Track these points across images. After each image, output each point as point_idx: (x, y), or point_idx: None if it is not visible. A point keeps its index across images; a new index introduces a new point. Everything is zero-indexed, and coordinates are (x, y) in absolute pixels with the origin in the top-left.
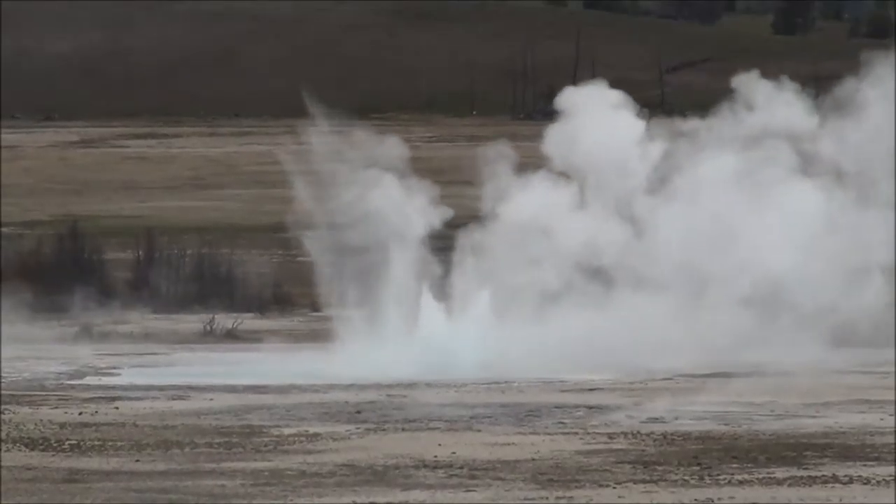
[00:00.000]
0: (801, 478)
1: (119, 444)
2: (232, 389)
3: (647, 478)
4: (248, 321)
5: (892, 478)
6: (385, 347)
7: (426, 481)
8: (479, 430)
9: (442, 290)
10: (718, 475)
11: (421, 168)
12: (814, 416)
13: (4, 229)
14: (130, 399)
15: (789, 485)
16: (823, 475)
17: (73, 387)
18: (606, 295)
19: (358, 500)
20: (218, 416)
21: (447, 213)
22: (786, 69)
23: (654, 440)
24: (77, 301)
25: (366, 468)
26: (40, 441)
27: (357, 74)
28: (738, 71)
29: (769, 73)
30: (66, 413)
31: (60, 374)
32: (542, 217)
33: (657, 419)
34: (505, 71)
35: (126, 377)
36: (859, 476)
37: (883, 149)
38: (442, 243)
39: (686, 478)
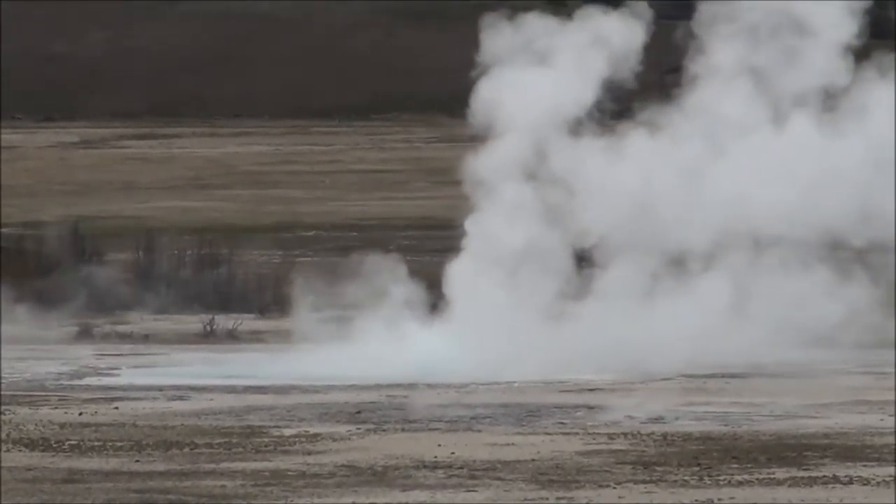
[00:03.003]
0: (802, 478)
1: (119, 444)
2: (232, 390)
3: (648, 478)
4: (249, 321)
5: (893, 478)
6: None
7: (426, 482)
8: (479, 431)
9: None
10: (718, 476)
11: (422, 169)
12: (814, 417)
13: (4, 229)
14: (130, 399)
15: (790, 485)
16: (824, 476)
17: (73, 387)
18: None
19: (358, 501)
20: (218, 417)
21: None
22: None
23: (655, 441)
24: (77, 301)
25: (366, 469)
26: (40, 441)
27: (357, 74)
28: None
29: None
30: (66, 413)
31: (60, 374)
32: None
33: (657, 419)
34: None
35: (126, 377)
36: (859, 476)
37: None
38: (444, 243)
39: (686, 478)
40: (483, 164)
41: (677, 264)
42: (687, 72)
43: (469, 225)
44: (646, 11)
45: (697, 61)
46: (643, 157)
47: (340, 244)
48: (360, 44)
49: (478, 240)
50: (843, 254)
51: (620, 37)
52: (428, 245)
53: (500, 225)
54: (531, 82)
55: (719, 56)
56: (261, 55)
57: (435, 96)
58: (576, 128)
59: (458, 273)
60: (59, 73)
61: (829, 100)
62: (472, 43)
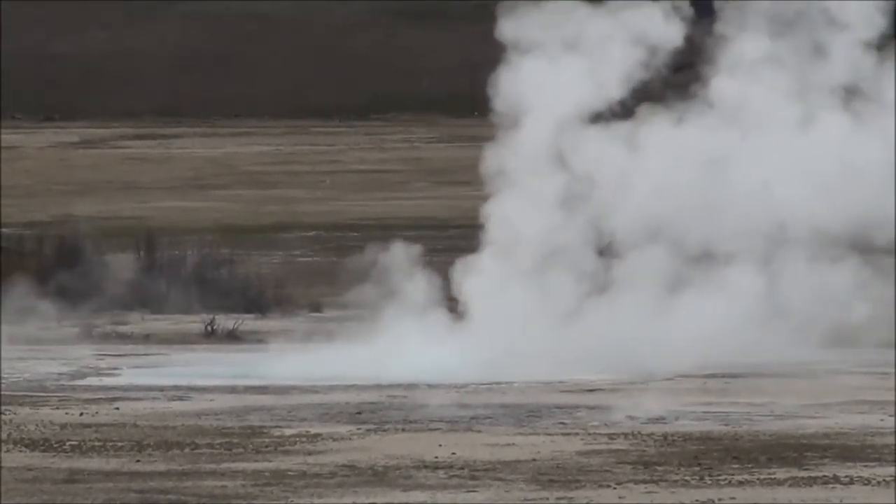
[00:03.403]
0: (802, 478)
1: (119, 444)
2: (232, 390)
3: (648, 478)
4: (249, 322)
5: (893, 478)
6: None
7: (426, 482)
8: (479, 431)
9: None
10: (719, 476)
11: (422, 169)
12: (814, 417)
13: (4, 229)
14: (131, 399)
15: (790, 485)
16: (824, 476)
17: (73, 387)
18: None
19: (358, 501)
20: (218, 417)
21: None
22: None
23: (655, 441)
24: (77, 301)
25: (366, 469)
26: (41, 442)
27: (357, 74)
28: None
29: None
30: (66, 414)
31: (61, 374)
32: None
33: (658, 419)
34: None
35: (126, 378)
36: (860, 476)
37: None
38: (445, 243)
39: (687, 478)
40: (503, 157)
41: (698, 261)
42: (698, 70)
43: (488, 219)
44: (685, 8)
45: (721, 54)
46: (664, 151)
47: (340, 244)
48: (360, 44)
49: (497, 235)
50: (868, 252)
51: (657, 31)
52: (428, 245)
53: (521, 219)
54: (557, 71)
55: (744, 49)
56: (261, 55)
57: (435, 96)
58: (597, 120)
59: (476, 270)
60: (59, 73)
61: (854, 96)
62: (472, 43)
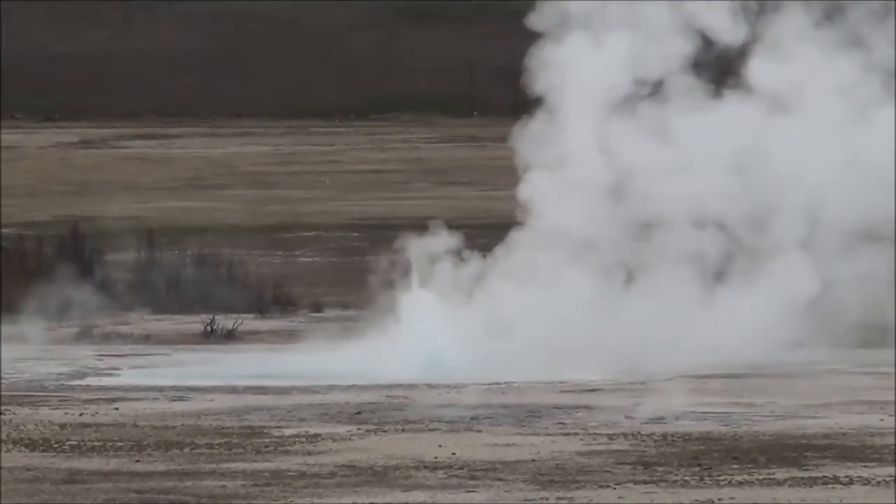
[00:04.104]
0: (802, 479)
1: (119, 444)
2: (232, 390)
3: (648, 478)
4: (249, 322)
5: (893, 478)
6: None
7: (426, 482)
8: (479, 431)
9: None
10: (719, 476)
11: (422, 169)
12: (814, 417)
13: (4, 229)
14: (131, 400)
15: (790, 485)
16: (824, 476)
17: (73, 387)
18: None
19: (358, 501)
20: (218, 417)
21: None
22: None
23: (655, 441)
24: (77, 302)
25: (366, 469)
26: (41, 442)
27: (357, 74)
28: None
29: None
30: (66, 414)
31: (61, 374)
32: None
33: (658, 420)
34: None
35: (126, 378)
36: (860, 477)
37: None
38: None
39: (686, 478)
40: (538, 143)
41: (735, 253)
42: (741, 56)
43: (522, 208)
44: (754, 7)
45: (764, 41)
46: (702, 137)
47: (340, 244)
48: (360, 44)
49: (531, 224)
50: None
51: (719, 27)
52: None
53: (557, 206)
54: (602, 55)
55: (787, 36)
56: (261, 55)
57: (435, 96)
58: (636, 104)
59: (497, 267)
60: (59, 73)
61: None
62: (472, 43)
